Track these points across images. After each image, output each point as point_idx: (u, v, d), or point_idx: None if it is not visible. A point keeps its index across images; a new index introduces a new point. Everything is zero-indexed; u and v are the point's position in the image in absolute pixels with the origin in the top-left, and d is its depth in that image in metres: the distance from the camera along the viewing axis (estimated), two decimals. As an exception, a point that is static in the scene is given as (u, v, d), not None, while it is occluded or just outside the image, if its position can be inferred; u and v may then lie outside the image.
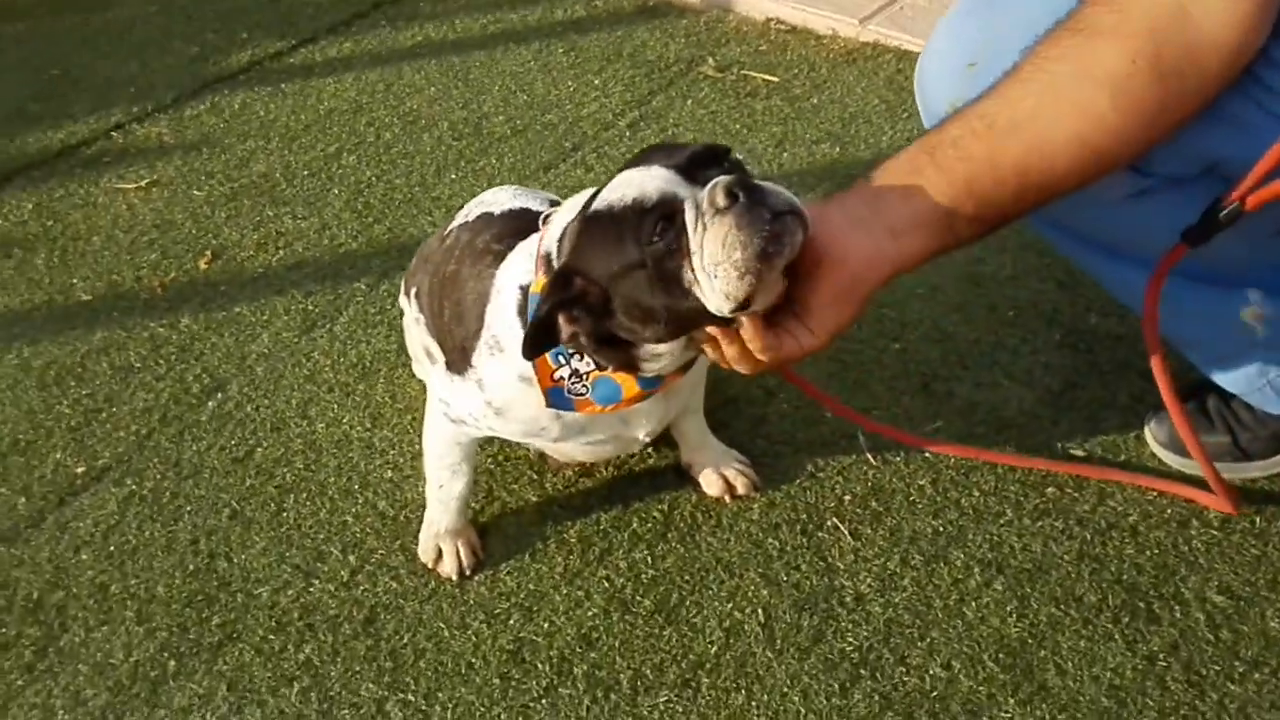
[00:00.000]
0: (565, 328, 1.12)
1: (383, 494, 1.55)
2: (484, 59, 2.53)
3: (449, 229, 1.52)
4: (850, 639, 1.37)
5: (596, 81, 2.42)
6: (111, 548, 1.51)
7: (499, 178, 2.14)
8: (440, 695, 1.33)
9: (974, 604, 1.39)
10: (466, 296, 1.32)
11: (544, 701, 1.33)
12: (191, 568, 1.49)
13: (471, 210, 1.51)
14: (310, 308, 1.87)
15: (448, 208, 2.05)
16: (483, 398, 1.30)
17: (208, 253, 2.01)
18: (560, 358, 1.19)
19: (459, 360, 1.32)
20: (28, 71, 2.51)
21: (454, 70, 2.48)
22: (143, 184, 2.19)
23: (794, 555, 1.47)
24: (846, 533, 1.49)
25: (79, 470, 1.62)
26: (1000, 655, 1.34)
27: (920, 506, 1.51)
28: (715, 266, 1.02)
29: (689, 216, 1.03)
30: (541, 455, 1.58)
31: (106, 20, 2.67)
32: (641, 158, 1.12)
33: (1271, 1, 0.99)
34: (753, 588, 1.43)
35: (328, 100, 2.41)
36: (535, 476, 1.58)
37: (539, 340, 1.12)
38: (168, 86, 2.46)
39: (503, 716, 1.31)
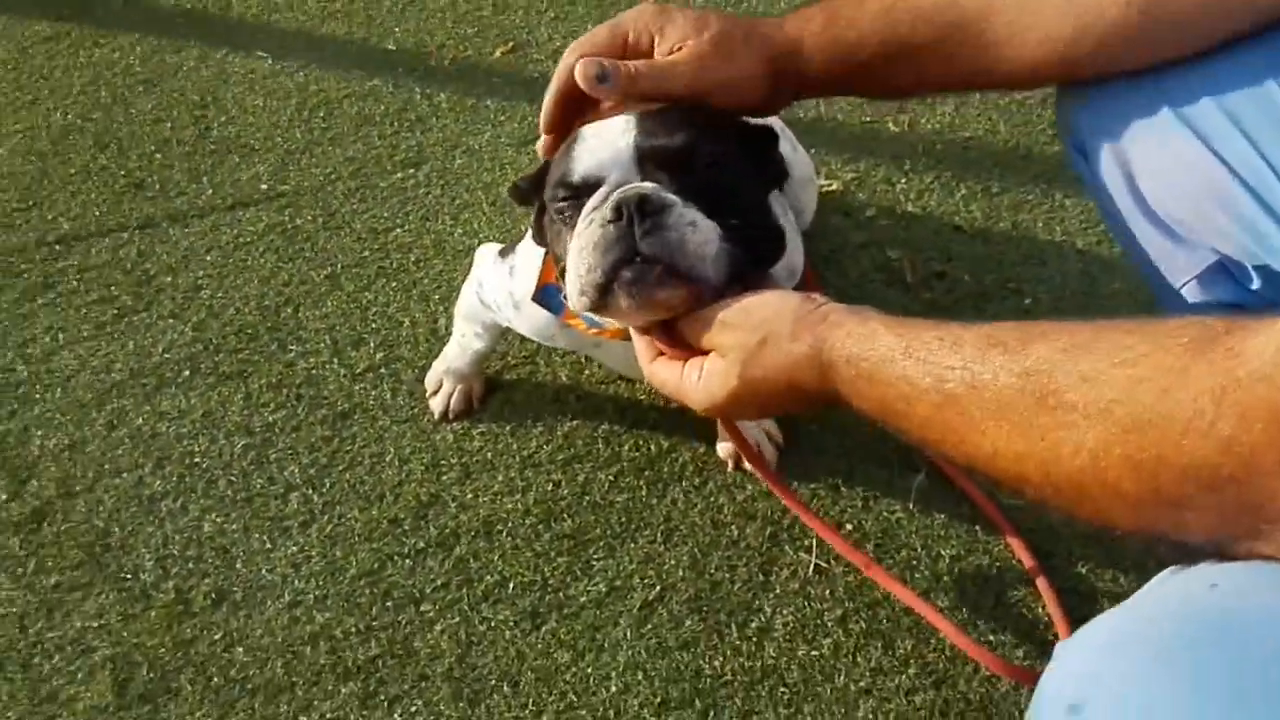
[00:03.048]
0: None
1: (449, 321, 1.52)
2: None
3: None
4: (716, 664, 1.17)
5: None
6: (229, 261, 1.63)
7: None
8: (338, 509, 1.33)
9: (875, 702, 1.13)
10: None
11: (407, 561, 1.27)
12: (267, 304, 1.57)
13: None
14: (543, 123, 1.83)
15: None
16: (509, 286, 1.21)
17: (511, 42, 2.03)
18: None
19: (511, 244, 1.24)
20: None
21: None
22: (518, -36, 2.23)
23: (740, 555, 1.26)
24: (812, 563, 1.23)
25: (263, 187, 1.75)
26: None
27: (911, 578, 1.21)
28: (571, 264, 0.91)
29: (589, 205, 0.92)
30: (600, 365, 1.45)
31: None
32: (652, 112, 0.95)
33: None
34: (673, 564, 1.25)
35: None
36: (582, 362, 1.47)
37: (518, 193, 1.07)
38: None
39: (364, 556, 1.28)
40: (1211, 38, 0.88)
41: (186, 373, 1.48)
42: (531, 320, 1.18)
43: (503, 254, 1.24)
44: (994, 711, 1.12)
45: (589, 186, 0.92)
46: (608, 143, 0.93)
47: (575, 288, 0.90)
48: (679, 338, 0.89)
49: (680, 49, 0.93)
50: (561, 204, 0.94)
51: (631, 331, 0.95)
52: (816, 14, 0.96)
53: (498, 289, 1.22)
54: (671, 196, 0.88)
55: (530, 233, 1.10)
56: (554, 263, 1.05)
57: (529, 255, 1.16)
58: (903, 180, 1.72)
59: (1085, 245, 1.60)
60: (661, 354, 0.91)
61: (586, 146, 0.93)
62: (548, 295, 1.10)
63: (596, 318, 1.02)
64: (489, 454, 1.37)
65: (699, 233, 0.87)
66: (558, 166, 0.95)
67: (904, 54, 0.94)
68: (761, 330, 0.82)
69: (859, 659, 1.17)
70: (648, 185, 0.89)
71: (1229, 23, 0.86)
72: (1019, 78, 0.95)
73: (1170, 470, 0.58)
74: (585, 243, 0.89)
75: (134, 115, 1.89)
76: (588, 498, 1.32)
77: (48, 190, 1.75)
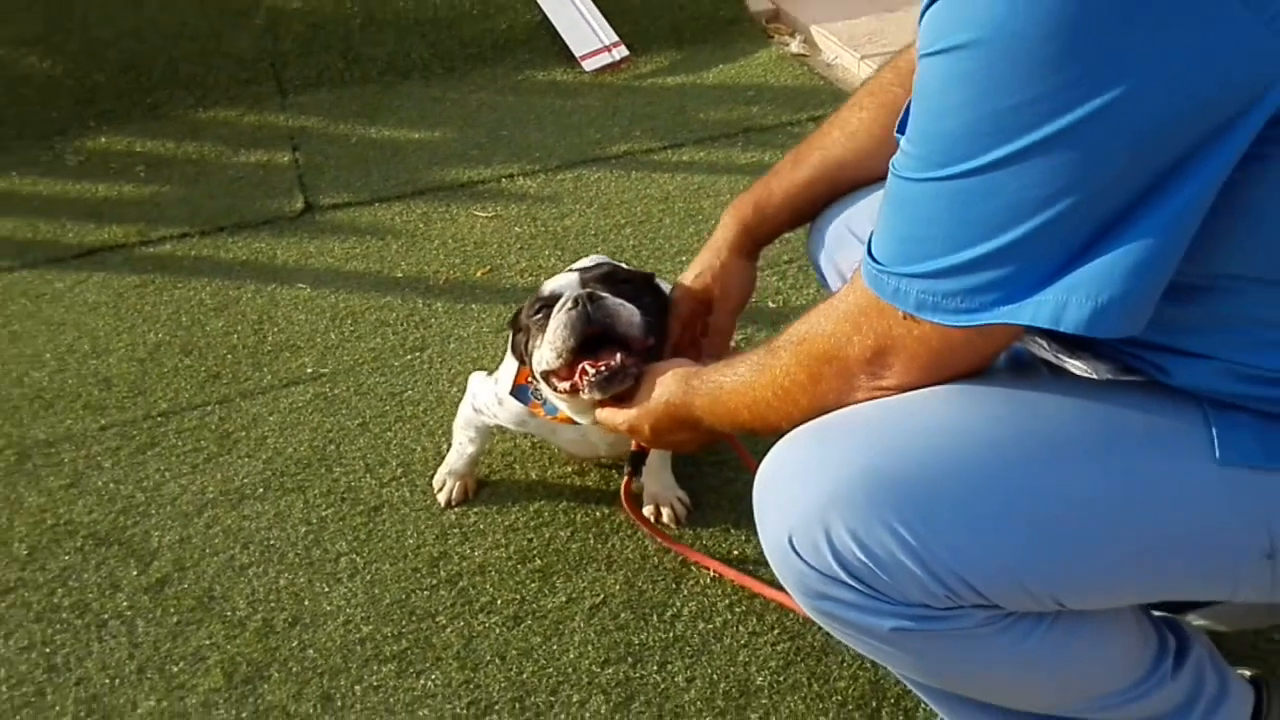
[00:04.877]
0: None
1: (449, 443, 2.11)
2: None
3: None
4: (643, 637, 1.70)
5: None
6: (286, 419, 2.23)
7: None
8: (374, 565, 1.87)
9: (749, 652, 1.67)
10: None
11: (425, 592, 1.81)
12: (315, 444, 2.15)
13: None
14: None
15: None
16: (495, 390, 1.83)
17: (489, 266, 2.71)
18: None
19: (495, 370, 1.87)
20: (486, 130, 3.41)
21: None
22: (491, 214, 2.95)
23: (660, 573, 1.81)
24: (710, 575, 1.79)
25: (308, 371, 2.37)
26: (735, 689, 1.60)
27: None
28: (546, 341, 1.53)
29: (557, 306, 1.55)
30: (559, 450, 2.04)
31: (558, 105, 3.52)
32: (592, 266, 1.69)
33: None
34: (612, 582, 1.80)
35: (653, 189, 3.01)
36: (547, 465, 2.05)
37: (512, 328, 1.72)
38: (559, 157, 3.21)
39: (395, 591, 1.81)
40: (869, 179, 1.52)
41: (261, 490, 2.05)
42: (510, 411, 1.78)
43: (489, 374, 1.86)
44: (830, 650, 1.65)
45: (555, 298, 1.55)
46: (563, 280, 1.59)
47: (553, 353, 1.51)
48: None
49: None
50: (536, 315, 1.57)
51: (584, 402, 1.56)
52: (746, 204, 1.60)
53: (488, 395, 1.83)
54: (607, 293, 1.51)
55: (509, 353, 1.73)
56: (527, 367, 1.66)
57: (507, 372, 1.78)
58: (778, 339, 2.35)
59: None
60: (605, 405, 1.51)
61: (550, 281, 1.59)
62: (520, 392, 1.72)
63: (555, 402, 1.63)
64: (481, 525, 1.93)
65: (627, 310, 1.50)
66: (531, 301, 1.60)
67: (806, 212, 1.59)
68: (659, 376, 1.43)
69: (740, 628, 1.70)
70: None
71: (871, 174, 1.51)
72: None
73: (815, 359, 1.16)
74: (558, 324, 1.51)
75: (208, 332, 2.53)
76: (552, 546, 1.88)
77: (148, 383, 2.36)
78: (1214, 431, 1.04)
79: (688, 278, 1.65)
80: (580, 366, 1.49)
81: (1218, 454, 1.03)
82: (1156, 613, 1.31)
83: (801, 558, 1.12)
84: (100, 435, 2.21)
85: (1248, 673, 1.37)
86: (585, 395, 1.50)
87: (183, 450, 2.15)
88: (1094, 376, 1.13)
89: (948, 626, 1.12)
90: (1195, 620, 1.51)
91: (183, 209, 3.05)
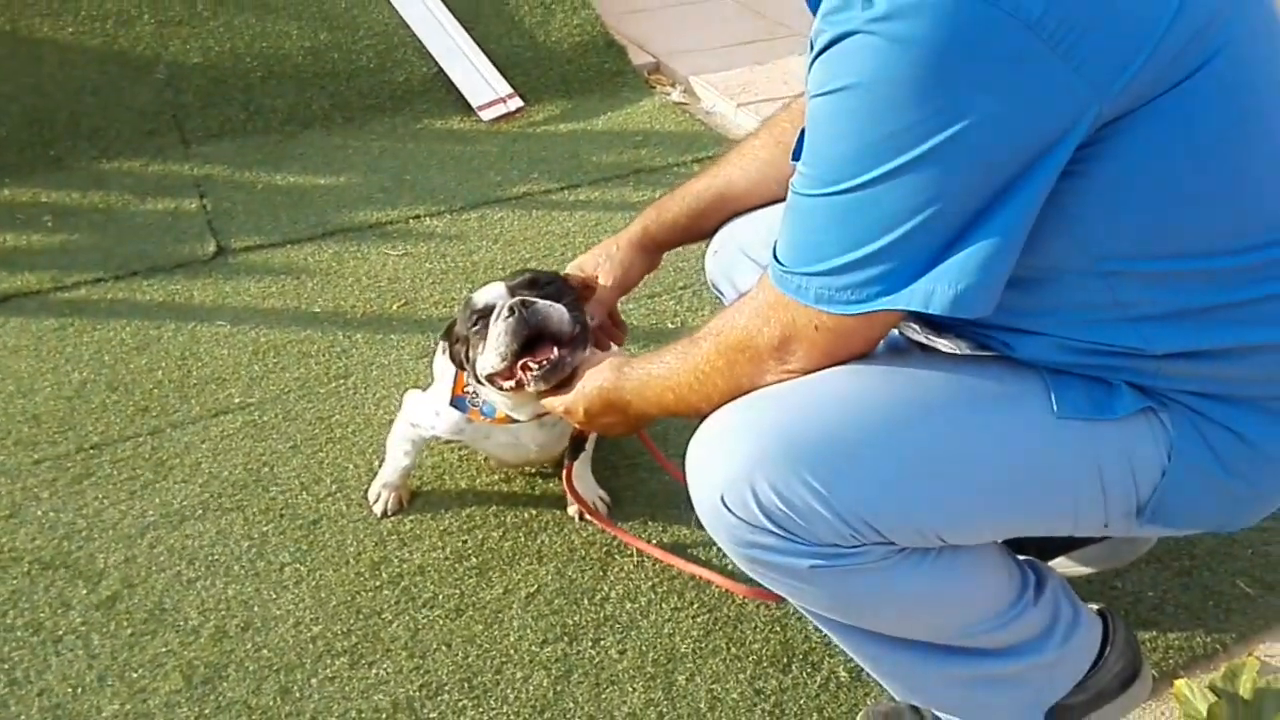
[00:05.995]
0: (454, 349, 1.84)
1: (380, 460, 2.25)
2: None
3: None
4: (575, 619, 1.87)
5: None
6: (219, 446, 2.33)
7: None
8: (319, 572, 1.99)
9: (673, 625, 1.85)
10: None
11: (369, 593, 1.94)
12: (250, 467, 2.27)
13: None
14: (430, 344, 2.64)
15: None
16: (432, 405, 1.98)
17: (403, 299, 2.86)
18: (473, 380, 1.85)
19: (428, 386, 2.03)
20: (390, 175, 3.57)
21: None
22: (401, 253, 3.10)
23: (588, 563, 1.97)
24: (634, 560, 1.96)
25: (236, 401, 2.48)
26: (662, 657, 1.78)
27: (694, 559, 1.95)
28: (489, 348, 1.69)
29: (494, 315, 1.71)
30: (486, 458, 2.20)
31: (457, 151, 3.70)
32: (513, 275, 1.83)
33: None
34: (544, 573, 1.96)
35: (554, 226, 3.21)
36: (475, 474, 2.21)
37: (447, 344, 1.87)
38: (462, 198, 3.38)
39: (340, 593, 1.94)
40: (756, 194, 1.74)
41: (200, 510, 2.16)
42: (447, 421, 1.94)
43: (424, 390, 2.02)
44: (744, 618, 1.84)
45: (488, 310, 1.72)
46: (492, 291, 1.75)
47: (497, 357, 1.67)
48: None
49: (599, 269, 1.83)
50: (474, 327, 1.73)
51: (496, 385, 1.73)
52: (651, 210, 1.84)
53: (424, 409, 1.98)
54: (536, 298, 1.69)
55: (438, 372, 1.90)
56: (466, 373, 1.82)
57: (441, 386, 1.94)
58: (680, 355, 2.56)
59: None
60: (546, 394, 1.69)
61: (479, 294, 1.74)
62: (457, 403, 1.88)
63: (497, 401, 1.80)
64: (417, 531, 2.08)
65: (557, 310, 1.67)
66: (464, 312, 1.76)
67: (697, 217, 1.80)
68: (594, 365, 1.61)
69: (664, 605, 1.88)
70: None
71: (757, 188, 1.73)
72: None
73: (731, 348, 1.36)
74: (499, 331, 1.67)
75: (132, 369, 2.62)
76: (486, 545, 2.03)
77: (78, 418, 2.44)
78: (1051, 392, 1.28)
79: (579, 263, 1.89)
80: (522, 363, 1.66)
81: (1055, 409, 1.28)
82: (1020, 556, 1.54)
83: (732, 512, 1.31)
84: (34, 469, 2.29)
85: (1095, 606, 1.60)
86: (531, 388, 1.67)
87: (119, 479, 2.25)
88: (957, 352, 1.36)
89: (854, 562, 1.32)
90: (1065, 562, 1.76)
91: (94, 255, 3.12)
